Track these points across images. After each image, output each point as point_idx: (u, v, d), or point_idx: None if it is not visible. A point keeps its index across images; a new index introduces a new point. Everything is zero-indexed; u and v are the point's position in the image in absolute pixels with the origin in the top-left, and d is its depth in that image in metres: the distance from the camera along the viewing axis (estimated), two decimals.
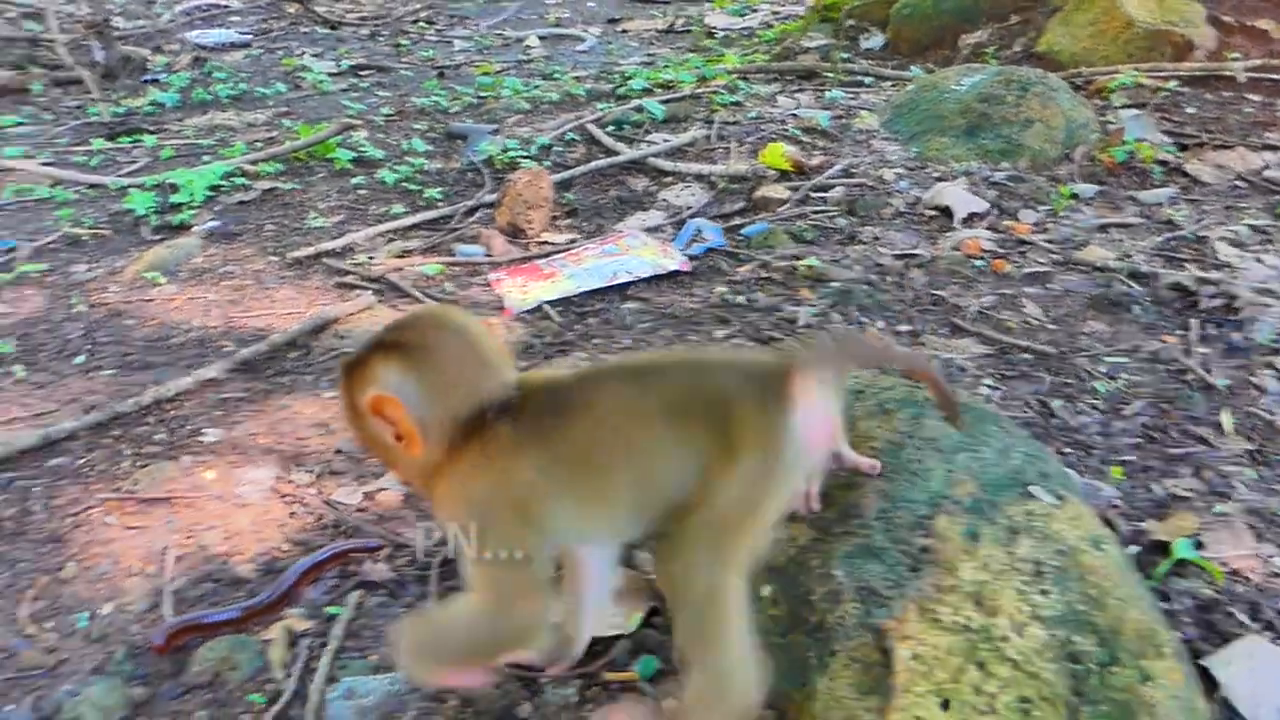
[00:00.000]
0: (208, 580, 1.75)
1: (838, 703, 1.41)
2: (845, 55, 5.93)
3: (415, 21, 8.94)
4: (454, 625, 1.34)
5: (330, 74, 6.66)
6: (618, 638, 1.57)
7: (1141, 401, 2.36)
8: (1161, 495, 2.05)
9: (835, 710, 1.40)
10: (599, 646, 1.57)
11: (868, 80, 5.37)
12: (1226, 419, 2.29)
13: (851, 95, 5.02)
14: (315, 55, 7.36)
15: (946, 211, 3.40)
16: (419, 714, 1.44)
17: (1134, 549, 1.85)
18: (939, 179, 3.70)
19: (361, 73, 6.80)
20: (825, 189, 3.67)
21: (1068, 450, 2.16)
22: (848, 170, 3.84)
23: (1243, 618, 1.73)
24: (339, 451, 2.16)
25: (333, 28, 8.72)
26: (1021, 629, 1.51)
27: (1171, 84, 4.61)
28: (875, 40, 6.16)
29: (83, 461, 2.13)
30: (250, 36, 8.30)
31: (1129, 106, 4.41)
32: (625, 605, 1.64)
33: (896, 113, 4.41)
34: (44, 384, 2.56)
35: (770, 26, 8.11)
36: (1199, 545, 1.88)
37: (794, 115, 4.66)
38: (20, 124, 5.59)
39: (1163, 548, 1.86)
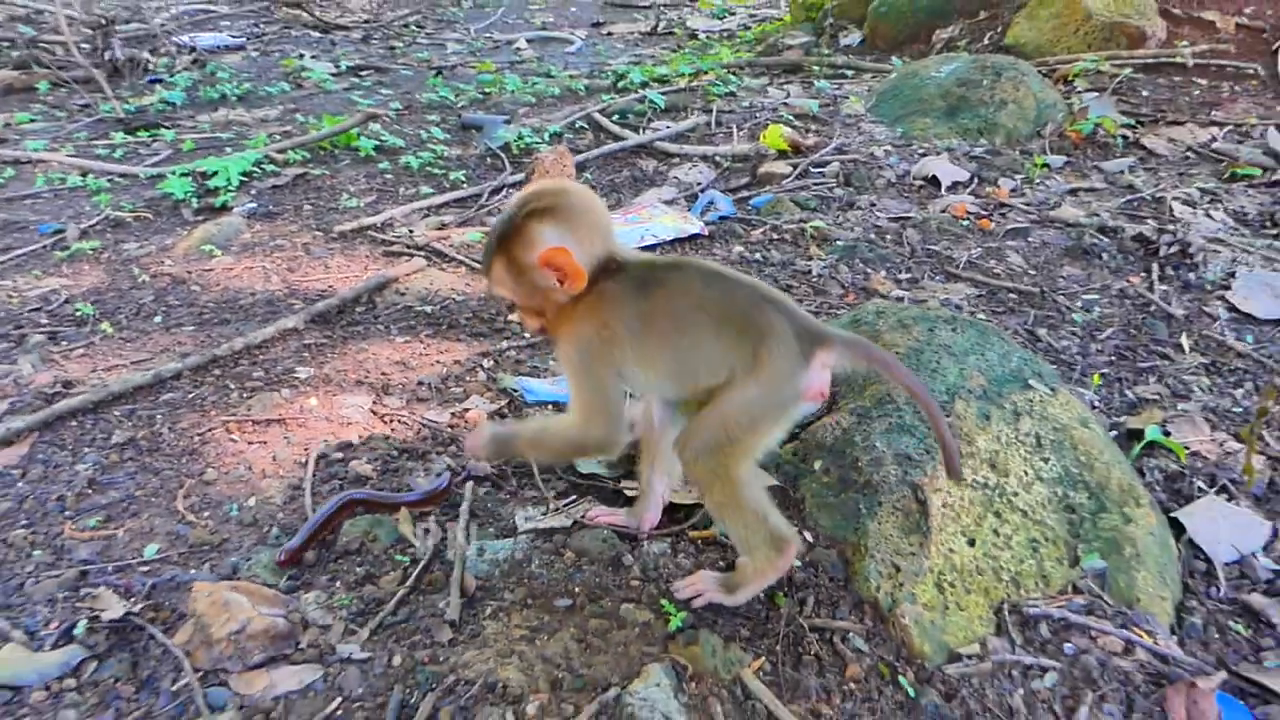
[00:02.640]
0: (334, 479, 2.03)
1: (886, 539, 1.73)
2: (827, 51, 6.29)
3: (405, 26, 9.20)
4: (554, 429, 1.69)
5: (331, 74, 6.90)
6: (699, 506, 1.88)
7: (1113, 329, 2.72)
8: (1133, 399, 2.40)
9: (884, 545, 1.72)
10: (683, 513, 1.88)
11: (849, 73, 5.73)
12: (1185, 340, 2.66)
13: (836, 86, 5.37)
14: (312, 57, 7.58)
15: (933, 181, 3.76)
16: (541, 564, 1.74)
17: (1113, 434, 2.20)
18: (924, 154, 4.06)
19: (361, 73, 7.04)
20: (822, 165, 4.01)
21: (1053, 366, 2.50)
22: (841, 149, 4.18)
23: (1202, 484, 2.08)
24: (421, 383, 2.45)
25: (324, 32, 8.96)
26: (1028, 486, 1.85)
27: (1127, 70, 5.02)
28: (853, 37, 6.53)
29: (193, 395, 2.40)
30: (243, 40, 8.50)
31: (1091, 90, 4.80)
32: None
33: (881, 99, 4.77)
34: (132, 339, 2.82)
35: (749, 28, 8.47)
36: (1166, 433, 2.23)
37: (785, 103, 5.00)
38: (33, 120, 5.76)
39: (1137, 435, 2.21)
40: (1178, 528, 1.95)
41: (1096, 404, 2.36)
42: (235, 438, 2.19)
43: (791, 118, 4.72)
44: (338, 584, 1.70)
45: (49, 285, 3.29)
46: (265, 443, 2.17)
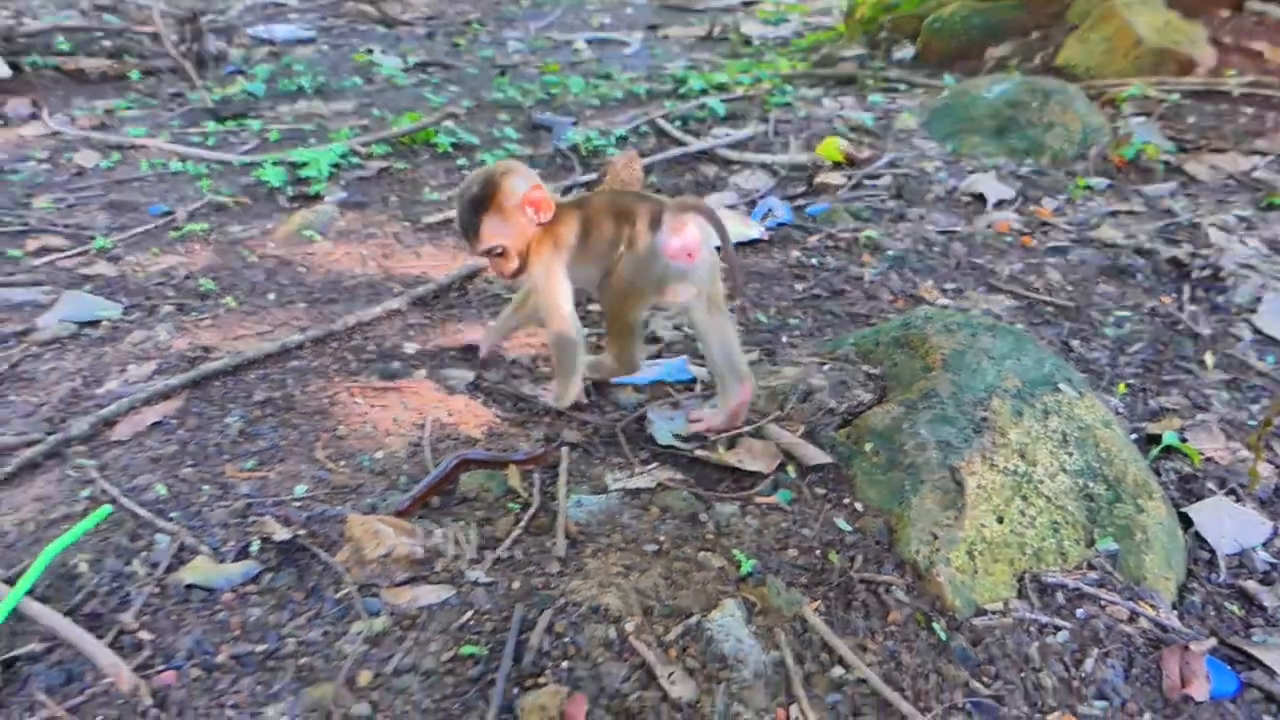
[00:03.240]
0: (448, 439, 2.35)
1: (926, 513, 2.02)
2: (880, 65, 6.53)
3: (467, 23, 9.54)
4: (555, 352, 2.38)
5: (401, 69, 7.24)
6: (764, 475, 2.18)
7: (1142, 343, 2.98)
8: (1155, 407, 2.65)
9: (924, 518, 2.01)
10: (751, 480, 2.18)
11: (902, 87, 5.97)
12: (1209, 358, 2.91)
13: (889, 100, 5.62)
14: (381, 52, 7.93)
15: (980, 198, 4.02)
16: (631, 516, 2.04)
17: (1134, 437, 2.45)
18: (972, 171, 4.31)
19: (428, 69, 7.38)
20: (875, 177, 4.28)
21: (1083, 374, 2.76)
22: (893, 162, 4.45)
23: (1212, 486, 2.34)
24: (514, 362, 2.76)
25: (389, 27, 9.33)
26: (1053, 476, 2.12)
27: (1174, 96, 5.23)
28: (907, 51, 6.76)
29: (317, 364, 2.73)
30: (314, 33, 8.89)
31: (1137, 114, 5.02)
32: (762, 458, 2.24)
33: (933, 115, 5.02)
34: (252, 312, 3.16)
35: (802, 36, 8.71)
36: (1183, 439, 2.48)
37: (840, 115, 5.27)
38: (130, 108, 6.14)
39: (1155, 440, 2.47)
40: (1186, 522, 2.22)
41: (1120, 410, 2.62)
42: (359, 401, 2.51)
43: (846, 130, 4.98)
44: (463, 524, 2.02)
45: (167, 262, 3.64)
46: (385, 406, 2.49)
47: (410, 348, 2.83)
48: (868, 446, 2.20)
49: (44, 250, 3.73)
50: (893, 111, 5.36)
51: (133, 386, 2.59)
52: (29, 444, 2.33)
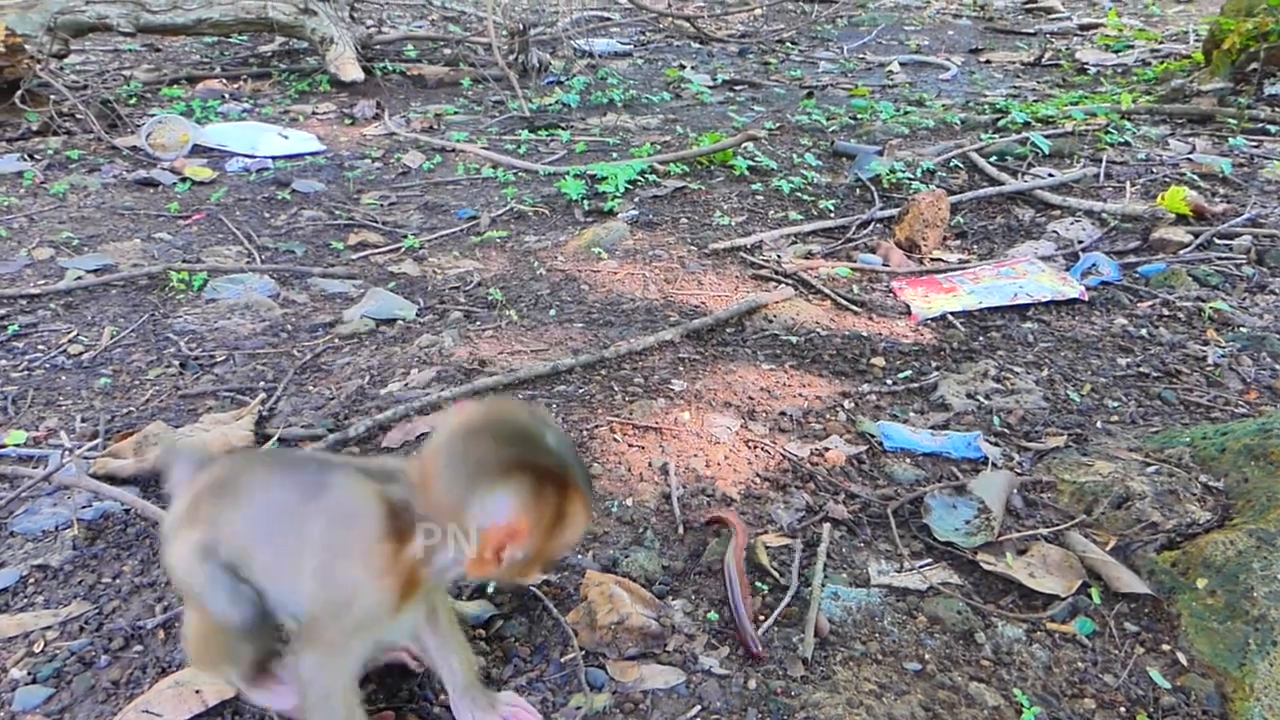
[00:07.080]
0: (701, 494, 2.20)
1: (1278, 685, 1.60)
2: (1246, 102, 5.67)
3: (780, 42, 9.44)
4: None
5: (708, 86, 7.26)
6: (1060, 597, 1.84)
7: None
8: None
9: (1275, 690, 1.59)
10: (1041, 600, 1.85)
11: (1273, 129, 5.14)
12: None
13: (1255, 144, 4.84)
14: (692, 68, 8.01)
15: None
16: (893, 622, 1.79)
17: None
18: None
19: (736, 87, 7.34)
20: (1230, 237, 3.66)
21: None
22: (1255, 220, 3.79)
23: None
24: (784, 414, 2.57)
25: (703, 43, 9.42)
26: None
27: None
28: None
29: (583, 391, 2.68)
30: (631, 47, 9.16)
31: None
32: (1060, 575, 1.90)
33: None
34: (531, 328, 3.19)
35: (1149, 65, 7.81)
36: None
37: (1189, 159, 4.60)
38: (456, 113, 6.56)
39: None
40: None
41: None
42: (617, 438, 2.43)
43: (1194, 177, 4.33)
44: (703, 598, 1.86)
45: (465, 266, 3.79)
46: (643, 448, 2.38)
47: (677, 385, 2.71)
48: (1200, 582, 1.80)
49: (362, 245, 4.02)
50: (1259, 158, 4.60)
51: (411, 392, 2.67)
52: (313, 438, 2.45)
